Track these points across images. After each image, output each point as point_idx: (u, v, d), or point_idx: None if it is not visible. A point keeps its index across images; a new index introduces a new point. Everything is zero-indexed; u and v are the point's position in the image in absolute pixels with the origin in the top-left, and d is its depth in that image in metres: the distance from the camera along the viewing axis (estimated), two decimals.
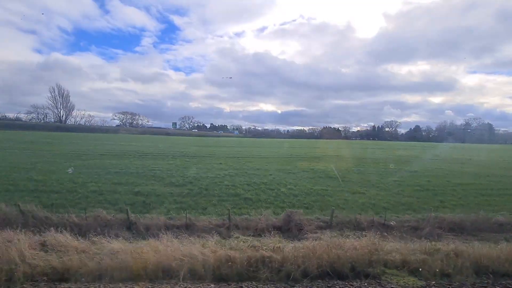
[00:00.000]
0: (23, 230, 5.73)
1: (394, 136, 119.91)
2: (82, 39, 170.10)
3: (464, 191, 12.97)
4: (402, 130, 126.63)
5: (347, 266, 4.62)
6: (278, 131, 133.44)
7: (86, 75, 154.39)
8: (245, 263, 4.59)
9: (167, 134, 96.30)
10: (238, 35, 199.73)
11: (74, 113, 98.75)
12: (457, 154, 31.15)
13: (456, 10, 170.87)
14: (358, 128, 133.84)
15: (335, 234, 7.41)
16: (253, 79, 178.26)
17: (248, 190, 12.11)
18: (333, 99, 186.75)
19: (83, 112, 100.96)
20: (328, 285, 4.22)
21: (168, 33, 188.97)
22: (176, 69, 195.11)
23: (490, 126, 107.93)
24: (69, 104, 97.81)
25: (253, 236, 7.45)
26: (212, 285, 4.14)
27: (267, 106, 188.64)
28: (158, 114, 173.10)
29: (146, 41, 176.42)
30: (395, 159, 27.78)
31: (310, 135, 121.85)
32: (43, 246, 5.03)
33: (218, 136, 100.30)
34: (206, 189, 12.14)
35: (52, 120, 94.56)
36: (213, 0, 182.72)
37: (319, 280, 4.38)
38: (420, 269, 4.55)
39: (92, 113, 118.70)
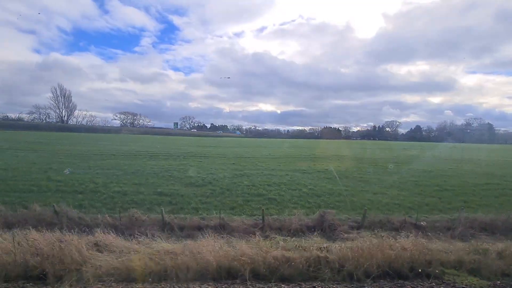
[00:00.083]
0: (66, 231, 5.73)
1: (394, 136, 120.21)
2: (81, 39, 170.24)
3: (484, 191, 13.00)
4: (402, 130, 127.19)
5: (406, 266, 4.62)
6: (278, 131, 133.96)
7: (85, 75, 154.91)
8: (305, 262, 4.59)
9: (169, 134, 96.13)
10: (237, 35, 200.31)
11: (75, 113, 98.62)
12: (466, 155, 31.23)
13: (456, 10, 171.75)
14: (358, 128, 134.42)
15: (369, 234, 7.42)
16: (253, 79, 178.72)
17: (270, 191, 12.10)
18: (332, 99, 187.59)
19: (84, 112, 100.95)
20: (393, 285, 4.21)
21: (168, 33, 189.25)
22: (176, 69, 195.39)
23: (490, 126, 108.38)
24: (71, 104, 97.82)
25: (288, 236, 7.44)
26: (279, 285, 4.13)
27: (267, 106, 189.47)
28: (157, 114, 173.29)
29: (146, 41, 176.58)
30: (405, 159, 27.81)
31: (311, 135, 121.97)
32: (97, 246, 5.00)
33: (220, 136, 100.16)
34: (228, 189, 12.13)
35: (54, 120, 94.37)
36: (213, 0, 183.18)
37: (381, 280, 4.36)
38: (480, 269, 4.56)
39: (92, 113, 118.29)
